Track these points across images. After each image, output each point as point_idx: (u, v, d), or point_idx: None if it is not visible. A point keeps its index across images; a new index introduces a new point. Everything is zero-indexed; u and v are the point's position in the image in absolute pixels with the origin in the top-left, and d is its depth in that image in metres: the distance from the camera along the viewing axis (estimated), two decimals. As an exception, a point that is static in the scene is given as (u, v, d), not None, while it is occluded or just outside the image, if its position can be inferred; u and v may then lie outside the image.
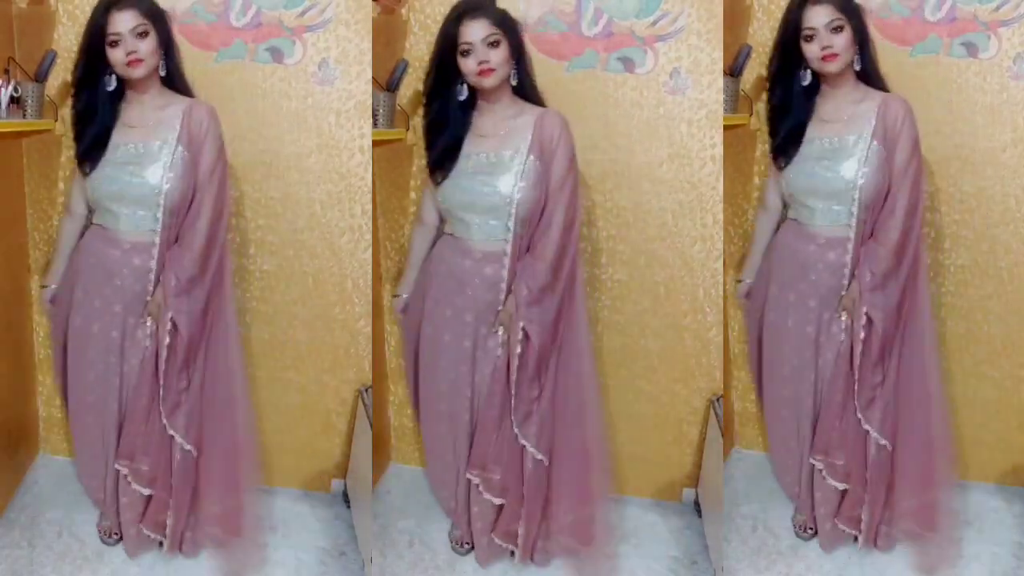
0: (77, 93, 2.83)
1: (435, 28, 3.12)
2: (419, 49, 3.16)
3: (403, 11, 3.16)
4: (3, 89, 2.92)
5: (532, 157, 2.76)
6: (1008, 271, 3.12)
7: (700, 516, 3.18)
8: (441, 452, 2.96)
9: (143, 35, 2.72)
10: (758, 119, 3.22)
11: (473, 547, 2.98)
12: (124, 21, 2.70)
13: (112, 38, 2.71)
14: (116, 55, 2.72)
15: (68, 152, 3.16)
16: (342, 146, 3.08)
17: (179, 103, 2.81)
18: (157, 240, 2.76)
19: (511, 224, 2.76)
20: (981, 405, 3.19)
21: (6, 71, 3.00)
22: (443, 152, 2.81)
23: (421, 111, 2.93)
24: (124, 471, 2.86)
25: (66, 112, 3.12)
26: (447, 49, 2.76)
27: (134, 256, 2.78)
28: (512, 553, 2.94)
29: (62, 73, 3.10)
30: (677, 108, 3.04)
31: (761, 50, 3.19)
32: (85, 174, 2.80)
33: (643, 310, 3.16)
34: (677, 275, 3.13)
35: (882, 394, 2.83)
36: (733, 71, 3.12)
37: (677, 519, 3.18)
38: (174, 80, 2.83)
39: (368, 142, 3.06)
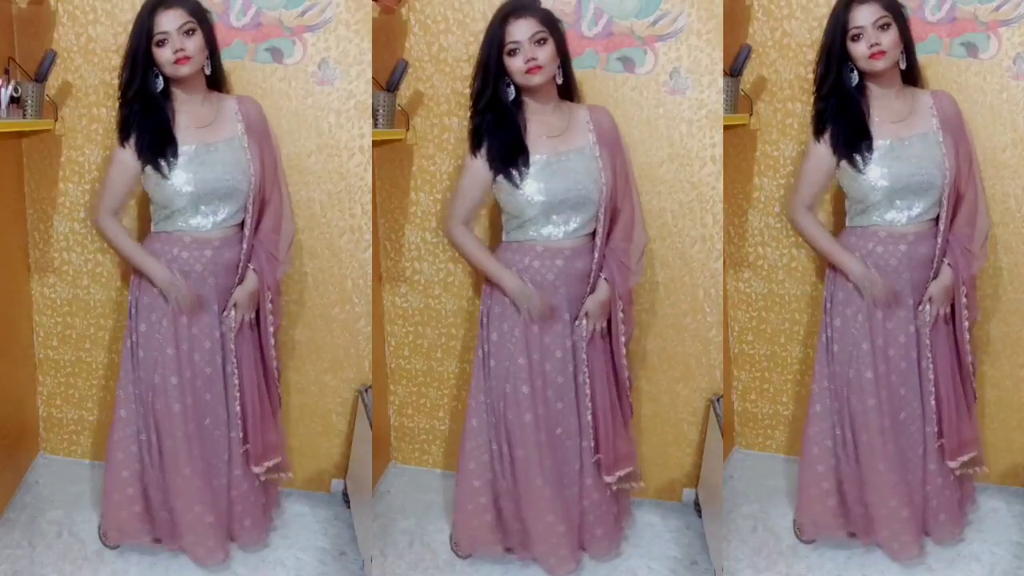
0: (126, 101, 2.77)
1: (435, 28, 3.13)
2: (419, 49, 3.16)
3: (403, 11, 3.16)
4: (3, 89, 2.92)
5: (604, 150, 2.82)
6: (1008, 271, 3.12)
7: (700, 516, 3.18)
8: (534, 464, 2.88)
9: (190, 33, 2.73)
10: (758, 119, 3.22)
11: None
12: (171, 20, 2.71)
13: (159, 37, 2.71)
14: (163, 54, 2.72)
15: (68, 152, 3.17)
16: (342, 146, 3.08)
17: (228, 99, 2.87)
18: (247, 232, 2.83)
19: (601, 215, 2.80)
20: (981, 405, 3.19)
21: (6, 71, 3.00)
22: (509, 155, 2.78)
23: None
24: (259, 470, 2.94)
25: (66, 112, 3.13)
26: (494, 50, 2.75)
27: (226, 251, 2.83)
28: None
29: (62, 73, 3.11)
30: (677, 108, 3.04)
31: (761, 50, 3.19)
32: (163, 175, 2.75)
33: (643, 310, 3.16)
34: (677, 275, 3.13)
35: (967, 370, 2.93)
36: (733, 71, 3.12)
37: (677, 519, 3.18)
38: (217, 78, 2.85)
39: (368, 142, 3.06)
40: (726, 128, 3.05)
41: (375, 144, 3.09)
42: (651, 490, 3.26)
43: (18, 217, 3.23)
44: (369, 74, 3.04)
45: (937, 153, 2.78)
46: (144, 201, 2.97)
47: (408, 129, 3.19)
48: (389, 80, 3.10)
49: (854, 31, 2.75)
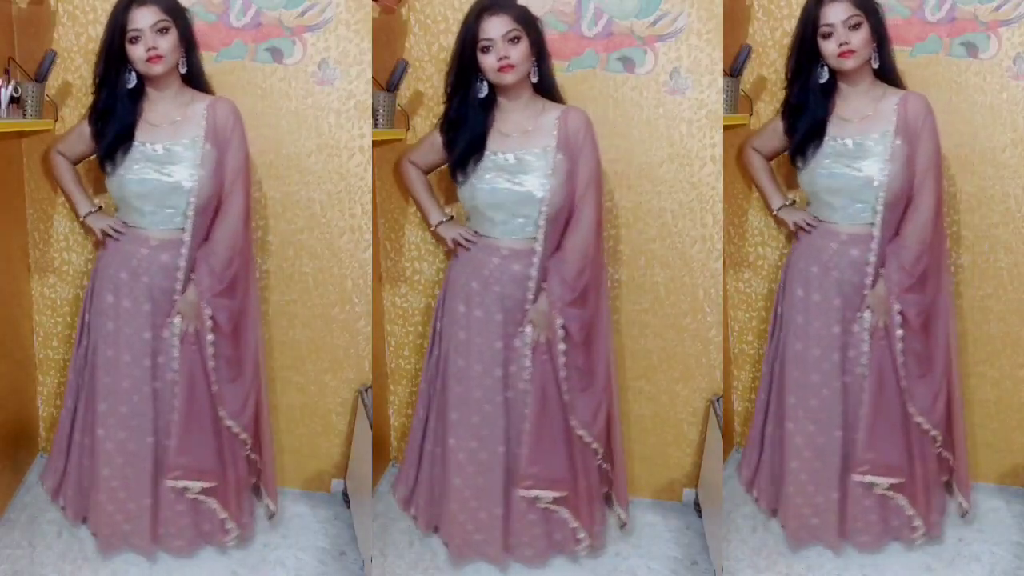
0: (97, 91, 2.83)
1: (435, 28, 3.13)
2: (419, 49, 3.16)
3: (403, 11, 3.16)
4: (3, 89, 2.92)
5: (560, 155, 2.78)
6: (1008, 271, 3.12)
7: (700, 516, 3.18)
8: (476, 466, 2.88)
9: (164, 31, 2.72)
10: (758, 119, 3.22)
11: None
12: (145, 17, 2.71)
13: (132, 34, 2.72)
14: (136, 51, 2.72)
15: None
16: (342, 146, 3.08)
17: (201, 100, 2.83)
18: (186, 238, 2.78)
19: (541, 222, 2.77)
20: (981, 405, 3.19)
21: (6, 71, 3.00)
22: (466, 150, 2.81)
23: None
24: (176, 484, 2.87)
25: (66, 112, 3.13)
26: (468, 46, 2.76)
27: (162, 253, 2.80)
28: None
29: (62, 73, 3.11)
30: (677, 108, 3.04)
31: (761, 50, 3.19)
32: (107, 173, 2.81)
33: (643, 310, 3.16)
34: (677, 275, 3.13)
35: (934, 386, 2.87)
36: (733, 71, 3.12)
37: (677, 519, 3.18)
38: (194, 77, 2.84)
39: (368, 142, 3.06)
40: (726, 128, 3.05)
41: (375, 144, 3.09)
42: (651, 490, 3.26)
43: (18, 217, 3.22)
44: (369, 74, 3.04)
45: (883, 157, 2.77)
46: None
47: (408, 129, 3.19)
48: (389, 80, 3.10)
49: (824, 28, 2.76)
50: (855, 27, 2.74)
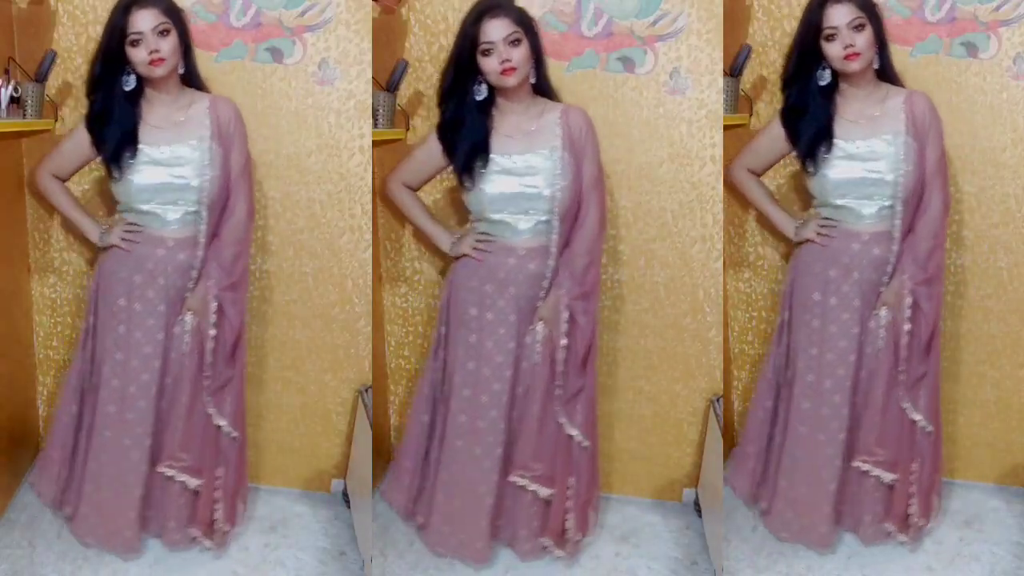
0: (93, 94, 2.81)
1: (435, 28, 3.13)
2: (419, 49, 3.16)
3: (403, 11, 3.16)
4: (3, 89, 2.92)
5: (566, 154, 2.79)
6: (1008, 271, 3.12)
7: (700, 516, 3.18)
8: (473, 463, 2.89)
9: (165, 33, 2.72)
10: (758, 119, 3.22)
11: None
12: (146, 20, 2.70)
13: (133, 37, 2.71)
14: (138, 54, 2.72)
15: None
16: (342, 146, 3.08)
17: (202, 100, 2.84)
18: (202, 237, 2.79)
19: (555, 222, 2.79)
20: (981, 405, 3.19)
21: (6, 71, 3.00)
22: (471, 155, 2.81)
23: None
24: (169, 472, 2.88)
25: (66, 112, 3.13)
26: (467, 48, 2.76)
27: (179, 252, 2.81)
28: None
29: (62, 73, 3.11)
30: (677, 108, 3.04)
31: (761, 50, 3.19)
32: (114, 178, 2.80)
33: (643, 310, 3.16)
34: (677, 275, 3.13)
35: (928, 382, 2.87)
36: (733, 71, 3.12)
37: (677, 519, 3.18)
38: (192, 77, 2.84)
39: (368, 142, 3.06)
40: (726, 128, 3.05)
41: (375, 144, 3.09)
42: (651, 490, 3.26)
43: (18, 217, 3.22)
44: (369, 74, 3.04)
45: (897, 157, 2.77)
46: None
47: (408, 129, 3.19)
48: (389, 80, 3.10)
49: (828, 31, 2.75)
50: (859, 28, 2.74)
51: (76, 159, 2.91)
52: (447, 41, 3.13)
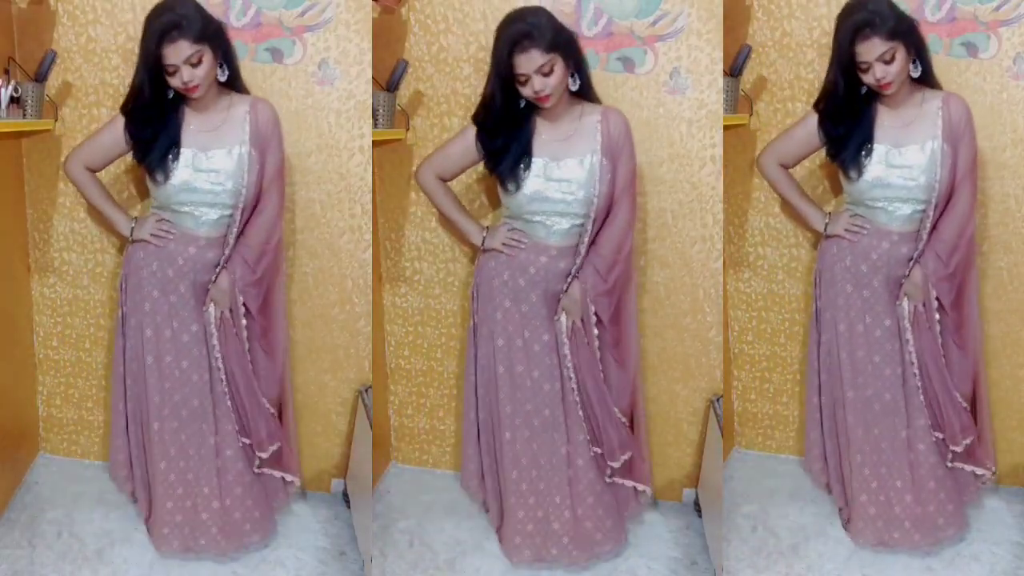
0: (135, 100, 2.78)
1: (435, 28, 3.13)
2: (419, 49, 3.16)
3: (403, 11, 3.16)
4: (3, 89, 2.92)
5: (604, 159, 2.81)
6: (1008, 271, 3.12)
7: (700, 516, 3.18)
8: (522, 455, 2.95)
9: (198, 63, 2.71)
10: (758, 119, 3.22)
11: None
12: (177, 53, 2.69)
13: (169, 68, 2.70)
14: (174, 81, 2.73)
15: (68, 152, 3.17)
16: (342, 146, 3.08)
17: (242, 103, 2.84)
18: (231, 238, 2.83)
19: (588, 225, 2.83)
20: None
21: (6, 71, 3.00)
22: (516, 161, 2.83)
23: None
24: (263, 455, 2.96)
25: (66, 112, 3.13)
26: (502, 76, 2.75)
27: (209, 251, 2.86)
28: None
29: (62, 73, 3.11)
30: (677, 108, 3.04)
31: (761, 50, 3.19)
32: (157, 183, 2.81)
33: (643, 310, 3.16)
34: (677, 275, 3.13)
35: (963, 366, 2.93)
36: (733, 71, 3.12)
37: (677, 519, 3.18)
38: (233, 80, 2.84)
39: (368, 142, 3.06)
40: (726, 128, 3.05)
41: (375, 144, 3.09)
42: (651, 490, 3.25)
43: (18, 217, 3.22)
44: (369, 74, 3.04)
45: (933, 162, 2.79)
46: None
47: (408, 129, 3.19)
48: (389, 80, 3.10)
49: (862, 64, 2.74)
50: (889, 61, 2.72)
51: (111, 152, 2.90)
52: (447, 41, 3.13)
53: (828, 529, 3.07)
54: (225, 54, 2.79)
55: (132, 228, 2.89)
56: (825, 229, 2.95)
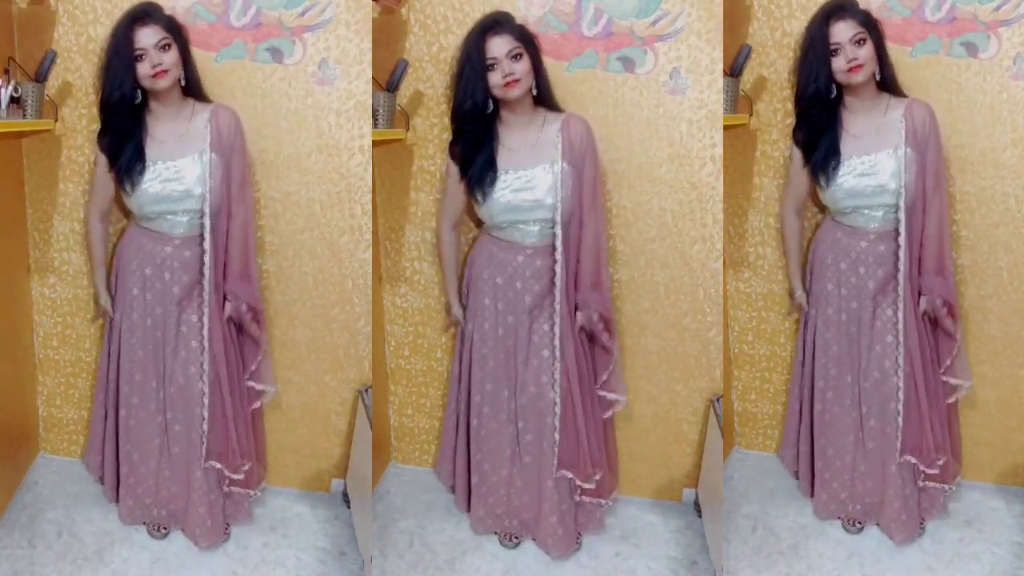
0: (104, 110, 2.90)
1: (435, 28, 3.13)
2: (419, 49, 3.16)
3: (403, 11, 3.16)
4: (3, 89, 2.92)
5: (566, 165, 2.89)
6: (1008, 271, 3.12)
7: (700, 516, 3.18)
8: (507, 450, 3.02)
9: (166, 48, 2.83)
10: (758, 119, 3.22)
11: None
12: (148, 36, 2.82)
13: (137, 52, 2.81)
14: (142, 68, 2.83)
15: (68, 152, 3.17)
16: (342, 146, 3.08)
17: (203, 110, 2.93)
18: (206, 238, 2.89)
19: (558, 230, 2.89)
20: (981, 405, 3.19)
21: (6, 71, 3.00)
22: (482, 171, 2.92)
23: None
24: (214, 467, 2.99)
25: (66, 112, 3.13)
26: (472, 65, 2.85)
27: (185, 250, 2.94)
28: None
29: (62, 73, 3.11)
30: (677, 108, 3.04)
31: (761, 50, 3.19)
32: (127, 192, 2.91)
33: (643, 310, 3.16)
34: (677, 275, 3.13)
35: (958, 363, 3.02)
36: (733, 71, 3.12)
37: (677, 519, 3.19)
38: (192, 87, 2.93)
39: (368, 142, 3.06)
40: (726, 128, 3.05)
41: (375, 144, 3.09)
42: (651, 490, 3.26)
43: (18, 217, 3.22)
44: (369, 74, 3.04)
45: (899, 168, 2.86)
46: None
47: (408, 129, 3.19)
48: (389, 80, 3.10)
49: (833, 46, 2.85)
50: (861, 43, 2.84)
51: (106, 185, 2.99)
52: (447, 41, 3.13)
53: (828, 529, 3.07)
54: (186, 58, 2.89)
55: (103, 303, 3.04)
56: (794, 299, 3.16)
